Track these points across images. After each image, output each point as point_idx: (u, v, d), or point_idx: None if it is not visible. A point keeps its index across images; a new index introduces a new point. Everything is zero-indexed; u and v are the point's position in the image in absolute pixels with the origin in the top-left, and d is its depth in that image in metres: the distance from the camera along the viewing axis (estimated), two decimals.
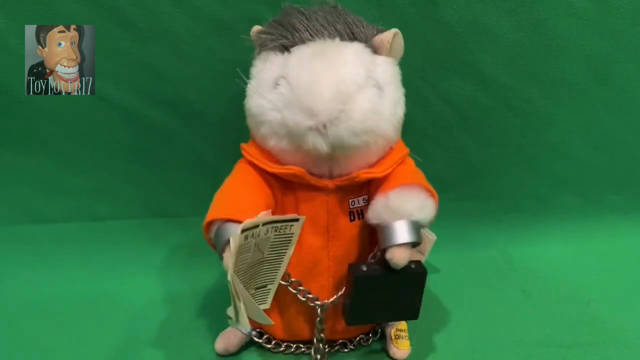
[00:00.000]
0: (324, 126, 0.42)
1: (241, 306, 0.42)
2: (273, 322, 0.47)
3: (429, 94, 0.66)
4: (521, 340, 0.54)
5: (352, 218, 0.48)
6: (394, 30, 0.47)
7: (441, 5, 0.61)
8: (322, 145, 0.43)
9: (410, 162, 0.50)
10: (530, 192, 0.74)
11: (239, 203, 0.44)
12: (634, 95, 0.69)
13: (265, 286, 0.47)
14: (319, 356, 0.51)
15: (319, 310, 0.48)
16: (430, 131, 0.67)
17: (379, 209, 0.45)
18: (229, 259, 0.41)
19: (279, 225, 0.44)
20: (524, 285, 0.65)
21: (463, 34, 0.63)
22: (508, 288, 0.64)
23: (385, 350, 0.53)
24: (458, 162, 0.70)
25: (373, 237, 0.50)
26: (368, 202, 0.48)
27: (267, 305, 0.47)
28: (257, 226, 0.42)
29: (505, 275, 0.67)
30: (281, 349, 0.52)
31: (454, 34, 0.62)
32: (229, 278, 0.41)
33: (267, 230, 0.43)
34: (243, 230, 0.40)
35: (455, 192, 0.71)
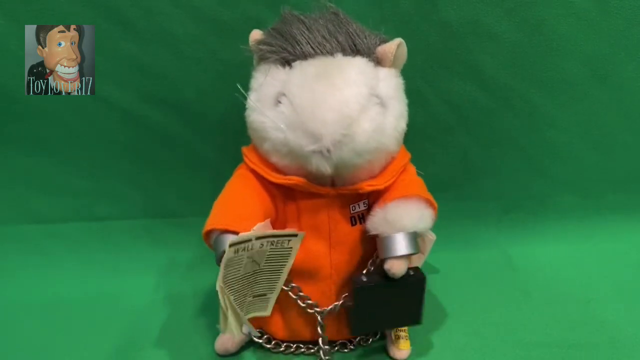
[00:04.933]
0: (328, 150, 0.42)
1: (229, 316, 0.42)
2: (257, 333, 0.49)
3: (429, 94, 0.66)
4: (521, 340, 0.54)
5: (353, 223, 0.49)
6: (397, 40, 0.46)
7: (441, 5, 0.61)
8: (326, 167, 0.43)
9: (411, 169, 0.51)
10: (530, 192, 0.74)
11: (237, 213, 0.44)
12: (634, 95, 0.69)
13: (264, 295, 0.46)
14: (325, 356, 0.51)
15: (319, 317, 0.49)
16: (430, 131, 0.67)
17: (377, 222, 0.46)
18: (220, 270, 0.41)
19: (274, 239, 0.43)
20: (524, 285, 0.65)
21: (463, 34, 0.63)
22: (508, 288, 0.64)
23: (385, 350, 0.53)
24: (458, 162, 0.70)
25: (374, 240, 0.50)
26: (368, 206, 0.48)
27: (267, 313, 0.47)
28: (249, 240, 0.41)
29: (505, 275, 0.67)
30: (281, 349, 0.52)
31: (454, 34, 0.62)
32: (217, 289, 0.41)
33: (262, 244, 0.43)
34: (232, 244, 0.40)
35: (455, 192, 0.71)
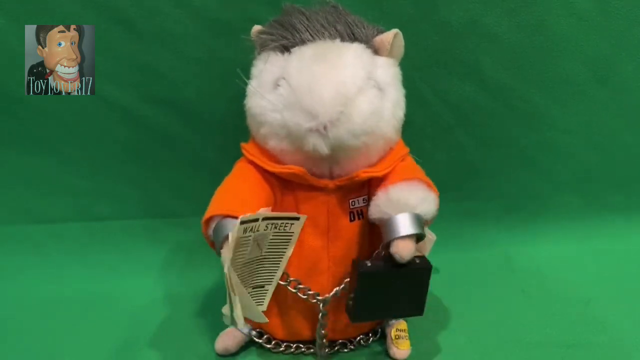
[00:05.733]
0: (325, 128, 0.42)
1: (236, 300, 0.42)
2: (267, 320, 0.47)
3: (429, 94, 0.66)
4: (521, 340, 0.54)
5: (352, 218, 0.48)
6: (394, 30, 0.47)
7: (441, 5, 0.61)
8: (323, 147, 0.43)
9: (409, 159, 0.51)
10: (530, 192, 0.74)
11: (239, 199, 0.44)
12: (634, 95, 0.69)
13: (262, 286, 0.46)
14: (323, 350, 0.51)
15: (321, 305, 0.48)
16: (430, 131, 0.67)
17: (380, 203, 0.45)
18: (226, 252, 0.41)
19: (278, 222, 0.44)
20: (524, 285, 0.65)
21: (463, 34, 0.63)
22: (508, 288, 0.64)
23: (385, 350, 0.53)
24: (458, 162, 0.70)
25: (373, 237, 0.50)
26: (368, 202, 0.48)
27: (264, 307, 0.47)
28: (256, 220, 0.41)
29: (505, 275, 0.67)
30: (281, 349, 0.52)
31: (454, 34, 0.62)
32: (226, 271, 0.40)
33: (267, 227, 0.43)
34: (242, 222, 0.40)
35: (455, 192, 0.71)
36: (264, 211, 0.43)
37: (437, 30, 0.62)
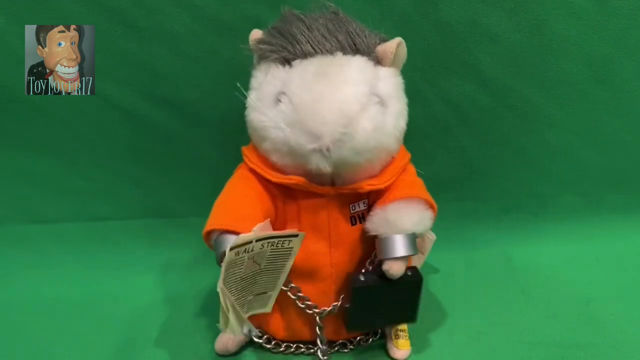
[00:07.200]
0: (327, 149, 0.42)
1: (230, 316, 0.42)
2: (259, 334, 0.49)
3: (429, 94, 0.66)
4: (521, 340, 0.54)
5: (353, 222, 0.49)
6: (397, 39, 0.46)
7: (441, 5, 0.61)
8: (325, 166, 0.43)
9: (411, 169, 0.51)
10: (530, 192, 0.73)
11: (237, 213, 0.44)
12: (634, 95, 0.69)
13: (265, 292, 0.47)
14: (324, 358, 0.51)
15: (317, 318, 0.49)
16: (430, 131, 0.67)
17: (377, 222, 0.46)
18: (222, 271, 0.41)
19: (275, 240, 0.43)
20: (524, 285, 0.65)
21: (463, 34, 0.63)
22: (508, 288, 0.64)
23: (385, 350, 0.53)
24: (458, 162, 0.70)
25: (375, 241, 0.50)
26: (368, 205, 0.48)
27: (268, 309, 0.47)
28: (250, 242, 0.41)
29: (505, 275, 0.67)
30: (281, 349, 0.52)
31: (454, 34, 0.62)
32: (218, 290, 0.41)
33: (262, 246, 0.43)
34: (232, 248, 0.40)
35: (455, 192, 0.71)
36: (260, 228, 0.43)
37: (437, 30, 0.62)
